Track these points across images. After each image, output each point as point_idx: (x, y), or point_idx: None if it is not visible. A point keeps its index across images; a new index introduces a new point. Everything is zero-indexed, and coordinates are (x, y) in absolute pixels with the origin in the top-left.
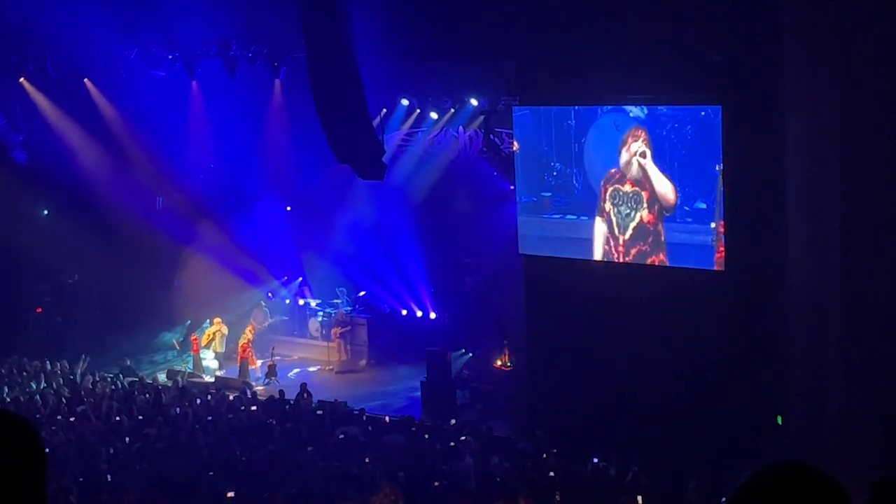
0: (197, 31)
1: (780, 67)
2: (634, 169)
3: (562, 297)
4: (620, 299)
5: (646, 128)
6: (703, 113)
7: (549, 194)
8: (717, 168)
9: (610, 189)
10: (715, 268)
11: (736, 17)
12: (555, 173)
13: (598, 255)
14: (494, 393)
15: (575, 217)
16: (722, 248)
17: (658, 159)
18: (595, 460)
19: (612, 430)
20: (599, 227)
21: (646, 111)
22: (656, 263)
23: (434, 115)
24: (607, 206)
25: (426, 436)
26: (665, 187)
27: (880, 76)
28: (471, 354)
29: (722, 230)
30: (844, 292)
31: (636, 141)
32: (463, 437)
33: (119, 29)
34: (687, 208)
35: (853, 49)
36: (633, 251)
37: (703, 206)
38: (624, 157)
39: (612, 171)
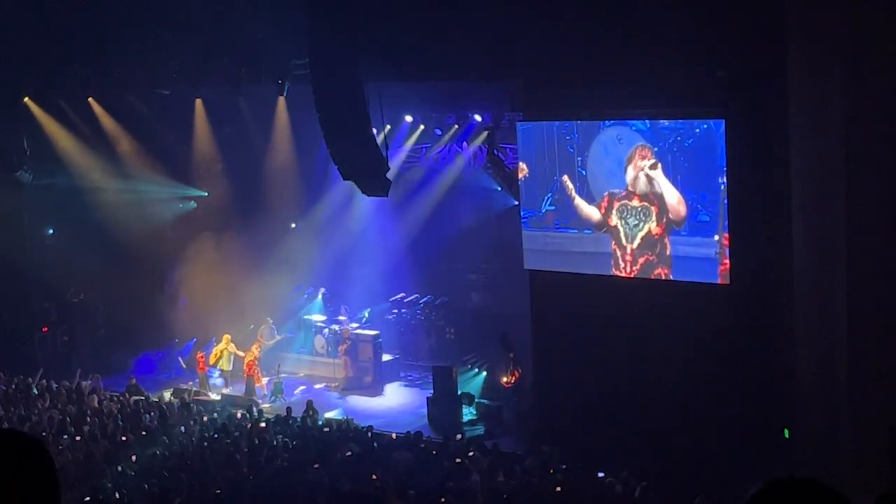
0: (201, 49)
1: (784, 80)
2: (642, 183)
3: (568, 312)
4: (627, 314)
5: (651, 145)
6: (704, 125)
7: (553, 208)
8: (719, 180)
9: (617, 205)
10: (719, 280)
11: (740, 32)
12: (557, 187)
13: (602, 267)
14: (501, 408)
15: (577, 231)
16: (726, 261)
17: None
18: (601, 475)
19: (618, 445)
20: (604, 242)
21: (648, 124)
22: (662, 277)
23: (438, 131)
24: (613, 220)
25: (433, 452)
26: (676, 199)
27: (885, 88)
28: (485, 373)
29: (726, 242)
30: (851, 305)
31: (643, 159)
32: (470, 453)
33: (123, 47)
34: (690, 221)
35: (858, 61)
36: (641, 260)
37: (707, 218)
38: (630, 173)
39: (617, 191)
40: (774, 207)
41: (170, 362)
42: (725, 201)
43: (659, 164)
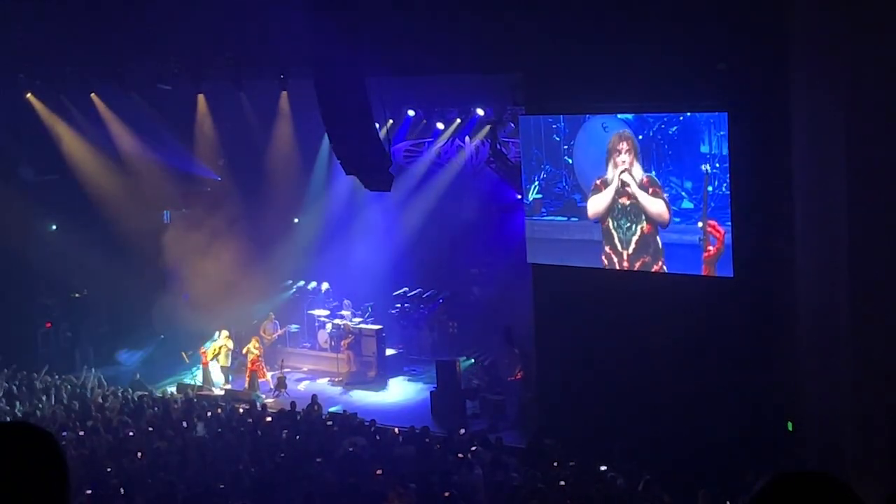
0: (203, 44)
1: (786, 71)
2: (621, 186)
3: (571, 306)
4: (630, 307)
5: (632, 133)
6: (688, 113)
7: (540, 196)
8: (702, 168)
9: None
10: (703, 266)
11: (742, 25)
12: (544, 175)
13: (592, 255)
14: (504, 402)
15: (565, 219)
16: (709, 248)
17: (645, 160)
18: (603, 468)
19: (621, 439)
20: (592, 230)
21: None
22: (660, 270)
23: (440, 126)
24: (606, 219)
25: (436, 446)
26: (656, 206)
27: (887, 81)
28: (472, 360)
29: (709, 229)
30: (853, 297)
31: (620, 154)
32: (473, 448)
33: (125, 43)
34: (675, 208)
35: (860, 54)
36: (638, 264)
37: (691, 205)
38: (610, 172)
39: (599, 182)
40: (777, 200)
41: (173, 357)
42: (709, 189)
43: (635, 163)
